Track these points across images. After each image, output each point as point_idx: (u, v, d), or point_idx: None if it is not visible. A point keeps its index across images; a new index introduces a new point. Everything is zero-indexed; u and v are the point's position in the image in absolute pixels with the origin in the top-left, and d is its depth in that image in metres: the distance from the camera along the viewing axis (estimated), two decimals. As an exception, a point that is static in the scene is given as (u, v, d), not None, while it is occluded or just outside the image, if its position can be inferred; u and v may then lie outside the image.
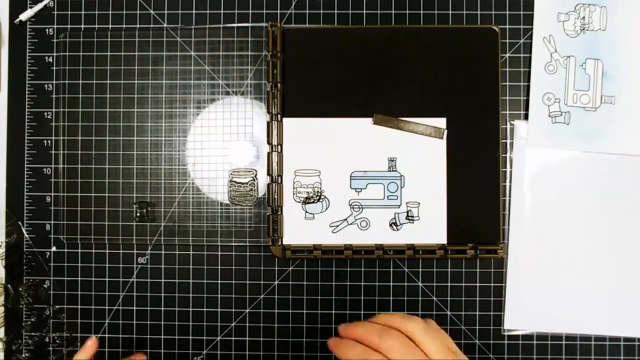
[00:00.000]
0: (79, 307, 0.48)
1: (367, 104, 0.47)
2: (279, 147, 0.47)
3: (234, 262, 0.48)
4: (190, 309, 0.48)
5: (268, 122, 0.47)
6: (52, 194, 0.48)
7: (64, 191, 0.48)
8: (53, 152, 0.48)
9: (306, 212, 0.47)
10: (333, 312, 0.48)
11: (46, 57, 0.49)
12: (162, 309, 0.48)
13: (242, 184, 0.47)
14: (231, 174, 0.48)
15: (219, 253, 0.48)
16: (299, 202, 0.47)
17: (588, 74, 0.47)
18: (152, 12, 0.48)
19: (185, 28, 0.48)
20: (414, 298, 0.48)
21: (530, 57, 0.47)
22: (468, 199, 0.47)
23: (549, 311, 0.47)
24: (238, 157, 0.48)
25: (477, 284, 0.48)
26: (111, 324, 0.48)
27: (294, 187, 0.47)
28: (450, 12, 0.48)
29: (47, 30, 0.49)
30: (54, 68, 0.48)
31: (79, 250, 0.48)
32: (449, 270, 0.48)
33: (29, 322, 0.48)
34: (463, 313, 0.48)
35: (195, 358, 0.48)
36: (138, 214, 0.48)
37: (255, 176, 0.48)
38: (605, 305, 0.47)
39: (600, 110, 0.47)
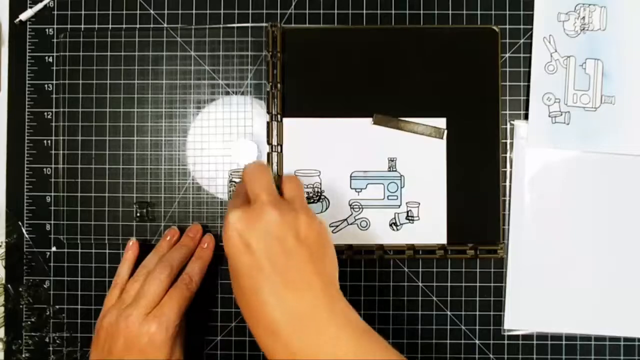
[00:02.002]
0: (79, 307, 0.48)
1: (367, 104, 0.47)
2: (279, 147, 0.47)
3: (234, 262, 0.48)
4: (190, 309, 0.48)
5: (268, 122, 0.47)
6: (52, 194, 0.48)
7: (64, 191, 0.48)
8: (53, 152, 0.48)
9: (306, 212, 0.47)
10: (333, 312, 0.48)
11: (46, 57, 0.49)
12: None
13: (242, 184, 0.47)
14: (231, 174, 0.48)
15: (219, 253, 0.48)
16: (299, 202, 0.47)
17: (588, 74, 0.47)
18: (152, 12, 0.48)
19: (185, 28, 0.48)
20: (414, 298, 0.48)
21: (530, 57, 0.47)
22: (468, 199, 0.47)
23: (549, 311, 0.47)
24: (238, 157, 0.48)
25: (477, 284, 0.48)
26: (111, 324, 0.48)
27: (294, 187, 0.47)
28: (450, 12, 0.48)
29: (47, 30, 0.49)
30: (54, 68, 0.48)
31: (79, 250, 0.48)
32: (449, 270, 0.48)
33: (29, 322, 0.48)
34: (463, 313, 0.48)
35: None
36: (138, 214, 0.48)
37: None
38: (605, 304, 0.47)
39: (600, 110, 0.47)
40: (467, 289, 0.48)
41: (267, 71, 0.47)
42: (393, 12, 0.48)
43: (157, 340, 0.39)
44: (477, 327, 0.48)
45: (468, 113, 0.47)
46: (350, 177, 0.47)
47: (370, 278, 0.48)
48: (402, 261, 0.48)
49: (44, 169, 0.48)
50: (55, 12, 0.49)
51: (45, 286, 0.48)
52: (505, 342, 0.48)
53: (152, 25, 0.48)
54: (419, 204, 0.47)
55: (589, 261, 0.47)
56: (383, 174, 0.47)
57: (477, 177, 0.47)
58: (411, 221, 0.47)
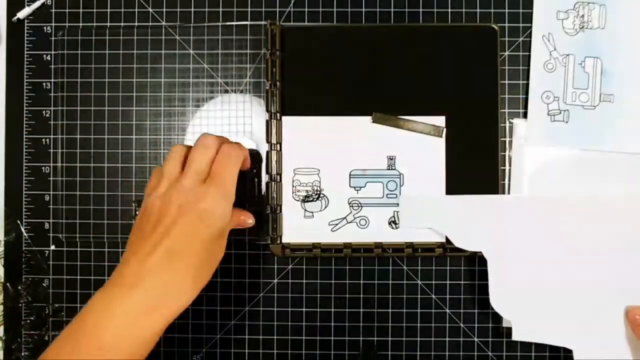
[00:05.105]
0: (79, 305, 0.48)
1: (366, 102, 0.47)
2: (278, 145, 0.47)
3: (233, 260, 0.48)
4: (190, 307, 0.48)
5: (267, 121, 0.47)
6: (51, 192, 0.48)
7: (62, 190, 0.48)
8: (52, 150, 0.48)
9: (305, 210, 0.47)
10: (332, 310, 0.48)
11: (44, 55, 0.48)
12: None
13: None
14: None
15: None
16: (298, 200, 0.47)
17: (587, 72, 0.47)
18: (150, 9, 0.48)
19: (183, 26, 0.48)
20: (413, 296, 0.48)
21: (529, 56, 0.47)
22: (467, 197, 0.47)
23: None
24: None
25: (476, 282, 0.48)
26: (110, 323, 0.48)
27: (293, 186, 0.47)
28: (449, 10, 0.48)
29: (45, 28, 0.48)
30: (52, 66, 0.48)
31: (78, 249, 0.48)
32: (448, 268, 0.48)
33: (28, 321, 0.48)
34: (462, 311, 0.48)
35: (194, 356, 0.48)
36: (137, 213, 0.48)
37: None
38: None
39: (599, 109, 0.47)
40: (466, 286, 0.48)
41: (266, 69, 0.47)
42: (392, 10, 0.48)
43: (218, 208, 0.37)
44: (475, 325, 0.48)
45: (467, 111, 0.47)
46: (350, 175, 0.47)
47: (369, 276, 0.48)
48: (401, 259, 0.48)
49: (43, 168, 0.48)
50: (53, 10, 0.48)
51: (44, 285, 0.48)
52: (504, 339, 0.48)
53: (150, 23, 0.48)
54: (418, 202, 0.47)
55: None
56: (382, 172, 0.47)
57: (476, 176, 0.47)
58: (410, 219, 0.47)
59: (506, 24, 0.48)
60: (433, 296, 0.48)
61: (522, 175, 0.47)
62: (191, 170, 0.38)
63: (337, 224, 0.47)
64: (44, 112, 0.48)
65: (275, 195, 0.47)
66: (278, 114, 0.47)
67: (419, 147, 0.47)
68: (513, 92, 0.48)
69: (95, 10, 0.48)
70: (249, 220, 0.43)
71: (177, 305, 0.36)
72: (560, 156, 0.47)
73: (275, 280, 0.48)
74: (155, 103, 0.48)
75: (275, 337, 0.48)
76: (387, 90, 0.47)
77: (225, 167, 0.38)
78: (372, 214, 0.47)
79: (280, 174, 0.47)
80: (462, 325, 0.48)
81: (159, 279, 0.35)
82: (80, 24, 0.48)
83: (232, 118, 0.48)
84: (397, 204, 0.47)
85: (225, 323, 0.48)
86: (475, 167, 0.47)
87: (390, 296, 0.48)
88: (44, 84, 0.48)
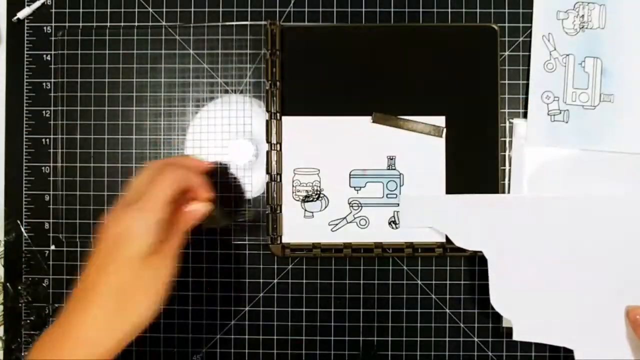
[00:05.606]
0: (78, 305, 0.48)
1: (366, 102, 0.47)
2: (278, 145, 0.47)
3: (233, 260, 0.48)
4: (190, 307, 0.48)
5: (267, 121, 0.47)
6: (51, 192, 0.48)
7: (62, 190, 0.48)
8: (52, 150, 0.48)
9: (305, 210, 0.47)
10: (332, 310, 0.48)
11: (44, 55, 0.48)
12: (161, 307, 0.48)
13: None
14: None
15: (218, 251, 0.48)
16: (298, 200, 0.47)
17: (587, 72, 0.47)
18: (150, 10, 0.48)
19: (183, 26, 0.48)
20: (413, 296, 0.48)
21: (529, 56, 0.47)
22: (467, 197, 0.47)
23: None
24: (237, 155, 0.48)
25: (476, 282, 0.48)
26: (110, 323, 0.48)
27: (293, 186, 0.47)
28: (449, 10, 0.48)
29: (45, 28, 0.48)
30: (52, 66, 0.48)
31: (78, 249, 0.48)
32: (448, 268, 0.48)
33: (28, 321, 0.48)
34: (462, 311, 0.48)
35: (194, 356, 0.48)
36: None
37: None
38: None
39: (599, 109, 0.47)
40: (465, 286, 0.48)
41: (266, 69, 0.47)
42: (392, 10, 0.48)
43: (134, 229, 0.34)
44: (475, 325, 0.48)
45: (467, 111, 0.47)
46: (350, 175, 0.47)
47: (369, 276, 0.48)
48: (401, 259, 0.48)
49: (43, 168, 0.48)
50: (53, 10, 0.48)
51: (44, 284, 0.48)
52: (504, 339, 0.48)
53: (150, 23, 0.48)
54: (418, 202, 0.47)
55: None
56: (382, 172, 0.47)
57: (476, 176, 0.47)
58: (410, 219, 0.47)
59: (506, 24, 0.48)
60: (433, 296, 0.48)
61: (522, 175, 0.47)
62: (127, 195, 0.37)
63: (337, 224, 0.47)
64: (44, 112, 0.48)
65: (275, 195, 0.47)
66: (278, 114, 0.47)
67: (419, 147, 0.47)
68: (513, 92, 0.48)
69: (95, 10, 0.48)
70: (201, 209, 0.39)
71: (109, 343, 0.34)
72: (560, 156, 0.47)
73: (275, 280, 0.48)
74: (155, 103, 0.48)
75: (275, 337, 0.48)
76: (387, 90, 0.47)
77: (153, 187, 0.36)
78: (372, 214, 0.47)
79: (280, 174, 0.47)
80: (462, 325, 0.48)
81: (84, 313, 0.34)
82: (80, 24, 0.48)
83: (232, 118, 0.48)
84: (397, 204, 0.47)
85: (225, 323, 0.48)
86: (475, 167, 0.47)
87: (390, 296, 0.48)
88: (44, 84, 0.48)
